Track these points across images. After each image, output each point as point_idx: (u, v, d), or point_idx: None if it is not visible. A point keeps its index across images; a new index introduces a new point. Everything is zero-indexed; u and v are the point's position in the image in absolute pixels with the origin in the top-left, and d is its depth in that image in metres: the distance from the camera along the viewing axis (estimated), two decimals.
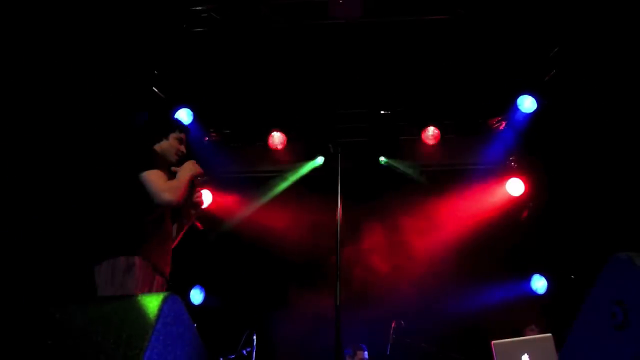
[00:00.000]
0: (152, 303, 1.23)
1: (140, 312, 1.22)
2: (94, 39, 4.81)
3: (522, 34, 5.45)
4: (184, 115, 6.14)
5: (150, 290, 2.92)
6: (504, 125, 6.33)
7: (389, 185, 6.49)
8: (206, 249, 6.52)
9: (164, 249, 3.13)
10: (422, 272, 6.28)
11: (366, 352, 5.65)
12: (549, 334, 4.32)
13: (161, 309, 1.21)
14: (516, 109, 6.13)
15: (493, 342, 4.24)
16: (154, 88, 5.86)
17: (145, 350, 1.15)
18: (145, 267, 2.91)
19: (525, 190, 6.49)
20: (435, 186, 6.48)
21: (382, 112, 6.25)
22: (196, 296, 6.50)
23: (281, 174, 6.60)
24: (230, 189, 6.57)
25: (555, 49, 5.60)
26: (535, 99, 6.05)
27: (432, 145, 6.43)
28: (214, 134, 6.44)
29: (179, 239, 3.40)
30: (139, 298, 1.24)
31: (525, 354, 4.19)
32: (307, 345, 5.96)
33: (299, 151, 6.54)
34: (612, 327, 1.17)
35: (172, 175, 3.21)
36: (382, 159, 6.64)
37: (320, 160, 6.57)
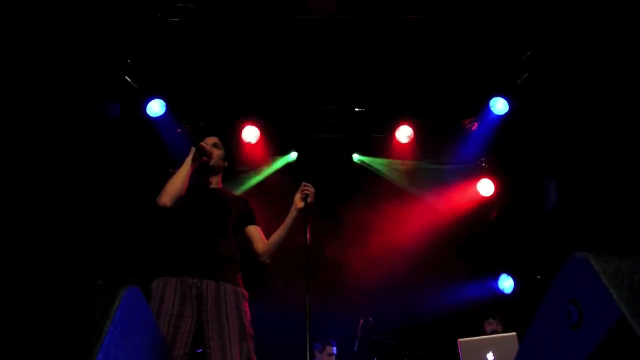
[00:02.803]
0: (111, 294, 1.21)
1: (99, 302, 1.20)
2: (65, 24, 4.70)
3: (496, 37, 5.52)
4: (157, 106, 6.07)
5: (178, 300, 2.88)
6: (476, 126, 6.41)
7: (361, 183, 6.52)
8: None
9: (192, 244, 3.06)
10: (391, 269, 6.32)
11: (335, 348, 5.67)
12: (514, 333, 4.40)
13: (120, 300, 1.19)
14: (488, 110, 6.21)
15: (459, 339, 4.30)
16: (126, 77, 5.77)
17: (103, 341, 1.14)
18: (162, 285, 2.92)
19: (495, 190, 6.59)
20: (406, 184, 6.53)
21: (356, 109, 6.27)
22: None
23: (254, 168, 6.56)
24: None
25: (528, 53, 5.69)
26: (507, 102, 6.15)
27: (406, 144, 6.47)
28: (187, 126, 6.36)
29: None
30: (99, 288, 1.22)
31: (490, 352, 4.26)
32: (274, 338, 5.95)
33: (272, 146, 6.50)
34: (568, 326, 1.19)
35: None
36: (355, 156, 6.66)
37: (294, 155, 6.55)
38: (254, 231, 3.35)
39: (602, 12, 4.81)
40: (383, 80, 6.03)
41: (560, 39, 5.33)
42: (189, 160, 3.19)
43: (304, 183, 3.23)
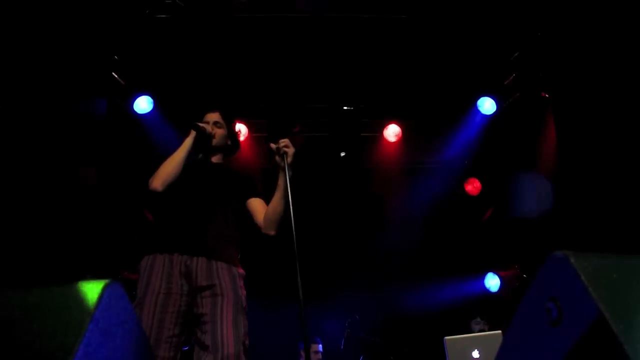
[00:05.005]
0: (91, 290, 1.20)
1: (78, 299, 1.19)
2: (51, 20, 4.66)
3: (485, 37, 5.54)
4: (144, 103, 6.03)
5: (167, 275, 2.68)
6: (464, 125, 6.43)
7: (348, 181, 6.52)
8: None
9: (183, 221, 2.84)
10: (378, 268, 6.34)
11: (320, 346, 5.68)
12: (499, 331, 4.43)
13: (101, 296, 1.18)
14: (476, 110, 6.24)
15: (445, 337, 4.33)
16: (113, 74, 5.73)
17: (83, 339, 1.12)
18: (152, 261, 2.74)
19: (482, 190, 6.63)
20: (394, 183, 6.55)
21: (344, 107, 6.27)
22: None
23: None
24: None
25: (516, 54, 5.72)
26: (495, 102, 6.18)
27: (393, 143, 6.49)
28: (174, 123, 6.32)
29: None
30: (79, 285, 1.21)
31: (476, 350, 4.29)
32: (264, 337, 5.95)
33: (260, 143, 6.49)
34: (548, 324, 1.20)
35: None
36: (342, 154, 6.66)
37: None
38: (256, 203, 3.07)
39: (590, 11, 4.84)
40: (371, 79, 6.03)
41: (547, 39, 5.37)
42: (187, 143, 2.98)
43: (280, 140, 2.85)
